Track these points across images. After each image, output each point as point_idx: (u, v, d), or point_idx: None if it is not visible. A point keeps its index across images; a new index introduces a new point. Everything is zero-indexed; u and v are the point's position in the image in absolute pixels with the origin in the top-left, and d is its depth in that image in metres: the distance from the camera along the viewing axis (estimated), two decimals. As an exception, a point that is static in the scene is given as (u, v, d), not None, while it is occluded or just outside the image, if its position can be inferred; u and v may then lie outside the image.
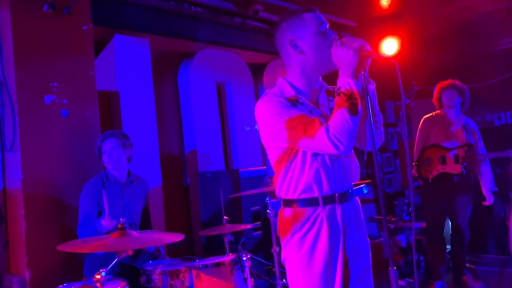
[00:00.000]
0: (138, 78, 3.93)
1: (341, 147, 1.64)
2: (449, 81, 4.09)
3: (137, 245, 2.05)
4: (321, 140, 1.65)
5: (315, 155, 1.74)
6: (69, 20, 3.30)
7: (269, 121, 1.75)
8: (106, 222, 2.63)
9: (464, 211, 3.90)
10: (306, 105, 1.76)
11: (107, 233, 2.64)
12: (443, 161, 3.92)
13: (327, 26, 1.79)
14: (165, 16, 4.15)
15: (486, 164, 3.98)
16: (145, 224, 3.18)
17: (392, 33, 5.61)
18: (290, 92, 1.78)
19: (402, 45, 5.62)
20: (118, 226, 2.07)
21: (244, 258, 2.52)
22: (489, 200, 3.95)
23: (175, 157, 4.35)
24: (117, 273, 2.68)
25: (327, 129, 1.64)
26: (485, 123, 8.23)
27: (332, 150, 1.66)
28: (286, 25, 1.80)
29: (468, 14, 5.37)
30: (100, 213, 2.89)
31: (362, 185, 3.26)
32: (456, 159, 3.89)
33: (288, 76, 1.84)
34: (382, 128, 1.86)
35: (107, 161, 2.97)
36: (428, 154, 4.03)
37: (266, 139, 1.81)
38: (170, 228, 3.95)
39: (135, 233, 2.09)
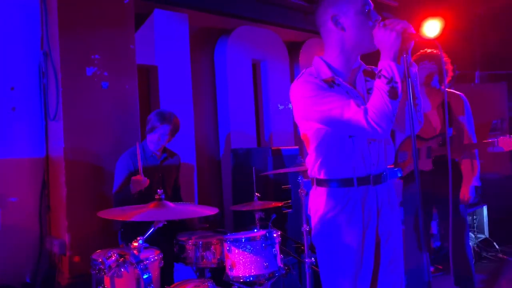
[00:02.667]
0: (176, 53, 3.98)
1: (379, 130, 1.63)
2: (423, 52, 3.25)
3: (173, 216, 2.12)
4: (359, 122, 1.64)
5: (351, 137, 1.73)
6: (111, -7, 3.36)
7: (304, 102, 1.74)
8: (138, 178, 2.71)
9: (455, 215, 3.15)
10: (343, 86, 1.75)
11: (139, 192, 2.74)
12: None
13: (372, 7, 1.75)
14: (204, -9, 4.16)
15: (470, 154, 3.22)
16: (175, 196, 3.27)
17: (434, 14, 5.41)
18: (326, 73, 1.76)
19: (444, 27, 5.43)
20: (155, 197, 2.15)
21: (275, 235, 2.56)
22: (466, 198, 3.21)
23: (209, 133, 4.41)
24: (151, 242, 2.78)
25: (365, 112, 1.63)
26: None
27: (369, 133, 1.65)
28: (329, 0, 1.77)
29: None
30: None
31: (396, 168, 3.15)
32: (428, 153, 3.19)
33: (326, 55, 1.82)
34: (421, 111, 1.83)
35: (154, 141, 3.06)
36: (404, 146, 3.36)
37: (300, 119, 1.81)
38: (202, 201, 4.05)
39: (171, 204, 2.16)
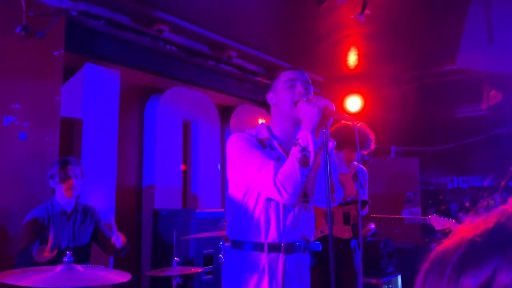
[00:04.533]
0: (105, 108, 3.91)
1: (284, 194, 1.69)
2: (341, 123, 3.14)
3: (80, 282, 1.98)
4: (267, 183, 1.71)
5: (269, 199, 1.78)
6: (41, 44, 3.29)
7: (234, 154, 1.84)
8: (45, 254, 2.52)
9: None
10: (276, 151, 1.84)
11: (44, 263, 2.54)
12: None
13: (298, 81, 1.86)
14: (139, 50, 4.20)
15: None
16: (107, 249, 3.05)
17: (356, 91, 5.88)
18: (264, 134, 1.88)
19: (365, 102, 5.90)
20: (64, 260, 2.00)
21: (191, 303, 2.46)
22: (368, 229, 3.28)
23: (131, 191, 4.27)
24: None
25: (275, 174, 1.70)
26: (438, 185, 8.60)
27: (275, 195, 1.71)
28: (271, 84, 1.97)
29: (430, 81, 5.73)
30: (41, 243, 2.76)
31: (317, 241, 3.10)
32: (346, 219, 3.01)
33: (270, 123, 1.97)
34: (337, 184, 1.90)
35: (68, 187, 2.87)
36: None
37: (229, 172, 1.89)
38: (118, 263, 3.82)
39: (80, 268, 2.02)
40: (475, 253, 0.51)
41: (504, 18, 3.38)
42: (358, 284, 2.94)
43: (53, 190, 2.90)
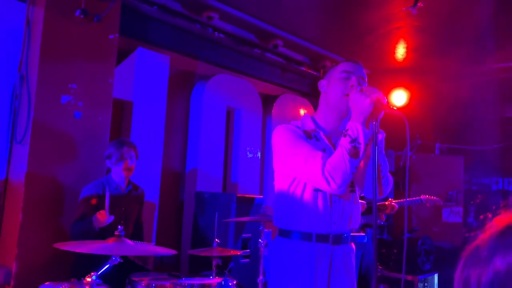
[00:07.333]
0: (154, 91, 4.04)
1: (333, 184, 1.70)
2: None
3: (131, 251, 2.10)
4: (315, 173, 1.72)
5: (316, 190, 1.79)
6: (97, 27, 3.43)
7: (280, 145, 1.86)
8: (103, 216, 2.66)
9: None
10: (322, 142, 1.86)
11: (100, 230, 2.68)
12: None
13: (354, 75, 1.87)
14: (188, 37, 4.30)
15: None
16: (137, 234, 3.21)
17: (402, 85, 5.76)
18: (310, 126, 1.90)
19: (410, 98, 5.77)
20: (115, 233, 2.12)
21: (230, 284, 2.54)
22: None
23: (175, 173, 4.41)
24: (103, 279, 2.69)
25: (323, 164, 1.71)
26: (481, 186, 8.32)
27: (323, 185, 1.72)
28: (327, 71, 1.99)
29: (479, 79, 5.54)
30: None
31: (363, 233, 3.13)
32: None
33: (315, 114, 1.99)
34: (388, 176, 1.87)
35: (125, 168, 3.02)
36: None
37: (276, 162, 1.91)
38: (160, 242, 3.97)
39: (130, 242, 2.14)
40: (505, 238, 0.64)
41: None
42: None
43: (109, 170, 3.06)
